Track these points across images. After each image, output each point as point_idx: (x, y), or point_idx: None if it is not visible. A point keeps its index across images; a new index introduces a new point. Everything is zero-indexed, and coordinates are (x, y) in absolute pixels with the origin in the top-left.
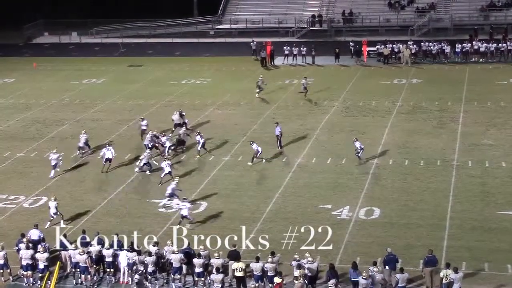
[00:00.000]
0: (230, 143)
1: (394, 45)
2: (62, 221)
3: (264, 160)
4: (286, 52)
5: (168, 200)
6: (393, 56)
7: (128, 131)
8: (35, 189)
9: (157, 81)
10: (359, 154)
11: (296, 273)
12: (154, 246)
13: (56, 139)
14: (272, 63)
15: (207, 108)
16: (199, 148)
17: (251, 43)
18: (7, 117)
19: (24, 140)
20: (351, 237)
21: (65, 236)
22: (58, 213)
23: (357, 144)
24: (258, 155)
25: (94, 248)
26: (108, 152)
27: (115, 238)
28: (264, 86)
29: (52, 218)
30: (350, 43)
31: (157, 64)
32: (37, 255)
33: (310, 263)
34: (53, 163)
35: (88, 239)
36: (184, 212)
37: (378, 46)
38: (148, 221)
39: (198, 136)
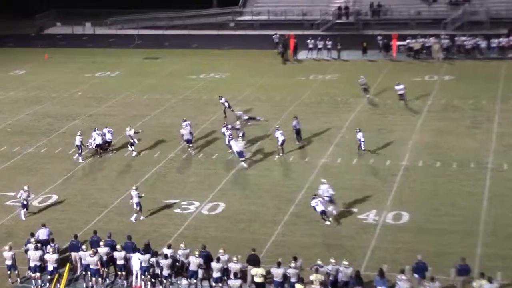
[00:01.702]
0: (250, 141)
1: (426, 40)
2: (135, 214)
3: (281, 155)
4: (310, 46)
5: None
6: (424, 51)
7: (142, 127)
8: (45, 187)
9: (174, 75)
10: (361, 146)
11: (312, 276)
12: (168, 248)
13: (68, 134)
14: (295, 57)
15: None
16: (227, 142)
17: (274, 36)
18: (17, 110)
19: (34, 135)
20: (378, 242)
21: (76, 236)
22: (138, 204)
23: (359, 136)
24: (281, 145)
25: (102, 250)
26: (98, 138)
27: (128, 240)
28: (367, 86)
29: (137, 210)
30: (378, 37)
31: (174, 57)
32: (46, 256)
33: (345, 267)
34: (77, 144)
35: (100, 240)
36: (319, 208)
37: (409, 41)
38: (163, 221)
39: (224, 129)
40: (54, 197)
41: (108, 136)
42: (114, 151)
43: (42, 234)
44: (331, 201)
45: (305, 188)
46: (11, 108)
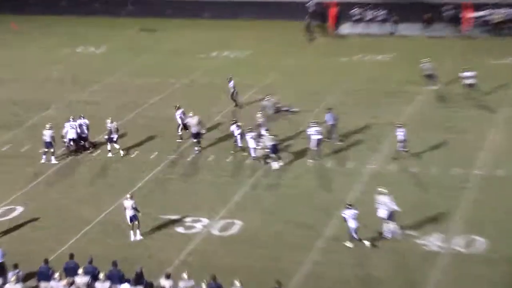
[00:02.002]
0: (280, 141)
1: (510, 10)
2: (138, 231)
3: (316, 159)
4: (357, 17)
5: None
6: (507, 26)
7: (136, 120)
8: (6, 195)
9: (178, 53)
10: (401, 147)
11: None
12: (167, 279)
13: (38, 127)
14: (337, 31)
15: (245, 91)
16: (239, 143)
17: (308, 2)
18: None
19: None
20: (443, 275)
21: (46, 261)
22: (134, 218)
23: (400, 133)
24: (316, 146)
25: (81, 280)
26: (72, 131)
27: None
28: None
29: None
30: (445, 7)
31: (178, 29)
32: (7, 287)
33: None
34: (46, 140)
35: (78, 267)
36: (352, 224)
37: (486, 12)
38: (160, 244)
39: (234, 126)
40: (19, 210)
41: (83, 130)
42: (92, 149)
43: None
44: (390, 218)
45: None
46: None
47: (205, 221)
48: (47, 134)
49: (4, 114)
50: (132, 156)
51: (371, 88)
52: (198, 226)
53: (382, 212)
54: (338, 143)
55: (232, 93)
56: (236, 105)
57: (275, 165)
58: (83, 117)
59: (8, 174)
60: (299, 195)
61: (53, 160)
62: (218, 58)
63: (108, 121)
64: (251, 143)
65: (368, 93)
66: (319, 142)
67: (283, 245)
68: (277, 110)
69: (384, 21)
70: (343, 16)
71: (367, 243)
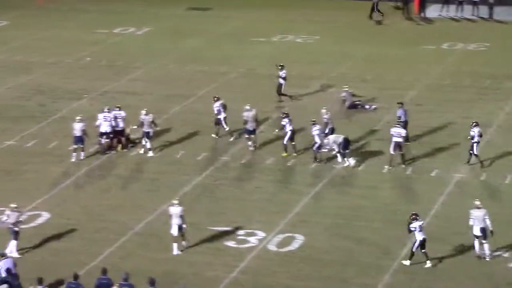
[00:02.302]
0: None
1: None
2: (184, 243)
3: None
4: None
5: None
6: None
7: (182, 115)
8: (31, 199)
9: (234, 36)
10: (473, 151)
11: None
12: None
13: (68, 121)
14: (422, 15)
15: (311, 83)
16: (285, 142)
17: None
18: None
19: (18, 120)
20: None
21: (76, 277)
22: (184, 226)
23: (475, 134)
24: (395, 150)
25: None
26: (105, 123)
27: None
28: None
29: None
30: None
31: (233, 8)
32: None
33: None
34: (76, 135)
35: (112, 284)
36: (419, 237)
37: None
38: (207, 259)
39: (287, 120)
40: (45, 216)
41: (119, 123)
42: (130, 146)
43: (3, 266)
44: (485, 235)
45: (429, 217)
46: None
47: (260, 234)
48: (77, 128)
49: (31, 105)
50: (177, 156)
51: (461, 82)
52: (252, 240)
53: (476, 229)
54: (407, 143)
55: (280, 85)
56: (281, 100)
57: (352, 161)
58: (120, 108)
59: (33, 174)
60: (372, 208)
61: (82, 156)
62: (280, 43)
63: (143, 112)
64: (316, 139)
65: (457, 88)
66: (399, 145)
67: (352, 265)
68: (352, 106)
69: (477, 3)
70: None
71: (429, 263)
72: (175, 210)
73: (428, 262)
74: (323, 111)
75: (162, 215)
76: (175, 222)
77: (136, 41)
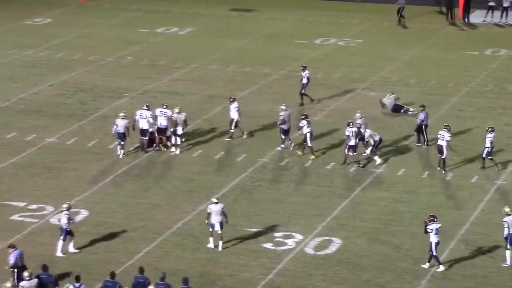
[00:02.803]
0: (385, 145)
1: None
2: (220, 243)
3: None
4: (491, 4)
5: None
6: None
7: (222, 115)
8: (70, 197)
9: (276, 37)
10: (488, 155)
11: None
12: None
13: (108, 120)
14: (466, 20)
15: (353, 86)
16: (309, 144)
17: None
18: (35, 78)
19: (59, 118)
20: None
21: (113, 275)
22: (225, 221)
23: (489, 138)
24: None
25: None
26: (143, 121)
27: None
28: None
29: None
30: None
31: (277, 9)
32: None
33: None
34: (120, 131)
35: (149, 284)
36: (434, 239)
37: None
38: (243, 261)
39: (305, 121)
40: (83, 214)
41: (161, 122)
42: (171, 145)
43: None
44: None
45: (468, 224)
46: (27, 74)
47: (298, 237)
48: (120, 124)
49: (72, 102)
50: (216, 157)
51: (504, 89)
52: (290, 242)
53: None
54: (425, 147)
55: (304, 86)
56: (302, 104)
57: (379, 160)
58: (166, 107)
59: (72, 172)
60: (410, 213)
61: (121, 154)
62: (323, 45)
63: (176, 110)
64: (351, 141)
65: (499, 95)
66: (441, 149)
67: (390, 270)
68: (395, 109)
69: None
70: (475, 1)
71: (442, 268)
72: (216, 207)
73: (441, 266)
74: (357, 115)
75: (200, 215)
76: (216, 220)
77: (178, 41)
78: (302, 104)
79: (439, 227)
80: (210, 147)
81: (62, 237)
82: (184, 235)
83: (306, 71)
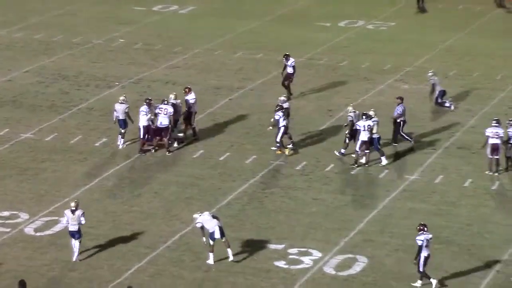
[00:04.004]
0: (420, 147)
1: None
2: (229, 250)
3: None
4: None
5: None
6: None
7: (228, 109)
8: (49, 202)
9: (293, 19)
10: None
11: None
12: None
13: (96, 111)
14: None
15: (383, 77)
16: (278, 138)
17: None
18: (8, 64)
19: (37, 110)
20: None
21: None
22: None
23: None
24: (492, 154)
25: None
26: (143, 117)
27: None
28: None
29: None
30: None
31: None
32: None
33: None
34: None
35: None
36: (424, 253)
37: None
38: (252, 282)
39: (280, 113)
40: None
41: (162, 120)
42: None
43: None
44: None
45: None
46: None
47: (316, 254)
48: (119, 110)
49: (51, 92)
50: (220, 159)
51: None
52: (306, 260)
53: None
54: (394, 144)
55: (289, 77)
56: (290, 94)
57: (385, 160)
58: (167, 103)
59: (51, 174)
60: (449, 228)
61: (121, 144)
62: (348, 29)
63: (171, 96)
64: (363, 136)
65: None
66: (497, 147)
67: None
68: (438, 103)
69: None
70: None
71: (434, 282)
72: (209, 222)
73: (433, 280)
74: (350, 108)
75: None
76: (212, 225)
77: (178, 21)
78: (290, 96)
79: (430, 238)
80: (214, 147)
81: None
82: (182, 250)
83: (291, 59)
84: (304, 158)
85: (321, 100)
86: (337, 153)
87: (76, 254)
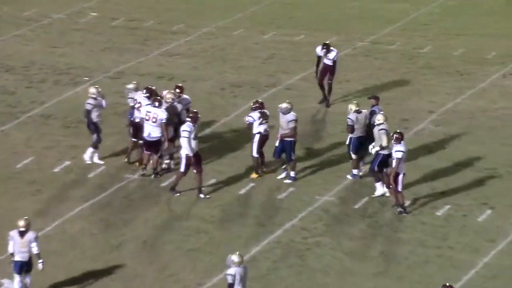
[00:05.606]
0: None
1: None
2: None
3: None
4: None
5: None
6: None
7: (236, 105)
8: None
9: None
10: None
11: None
12: None
13: (52, 121)
14: None
15: (485, 70)
16: (254, 152)
17: None
18: None
19: None
20: None
21: None
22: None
23: None
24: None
25: None
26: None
27: None
28: None
29: None
30: None
31: None
32: None
33: None
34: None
35: None
36: None
37: None
38: None
39: (257, 113)
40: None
41: (151, 131)
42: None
43: None
44: None
45: None
46: None
47: None
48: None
49: None
50: (241, 192)
51: None
52: None
53: None
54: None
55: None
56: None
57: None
58: (159, 104)
59: None
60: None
61: (96, 159)
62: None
63: (168, 96)
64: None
65: None
66: None
67: None
68: None
69: None
70: None
71: None
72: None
73: None
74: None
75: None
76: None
77: None
78: (328, 103)
79: None
80: (232, 174)
81: None
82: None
83: (334, 52)
84: (362, 190)
85: (391, 105)
86: (349, 177)
87: None
